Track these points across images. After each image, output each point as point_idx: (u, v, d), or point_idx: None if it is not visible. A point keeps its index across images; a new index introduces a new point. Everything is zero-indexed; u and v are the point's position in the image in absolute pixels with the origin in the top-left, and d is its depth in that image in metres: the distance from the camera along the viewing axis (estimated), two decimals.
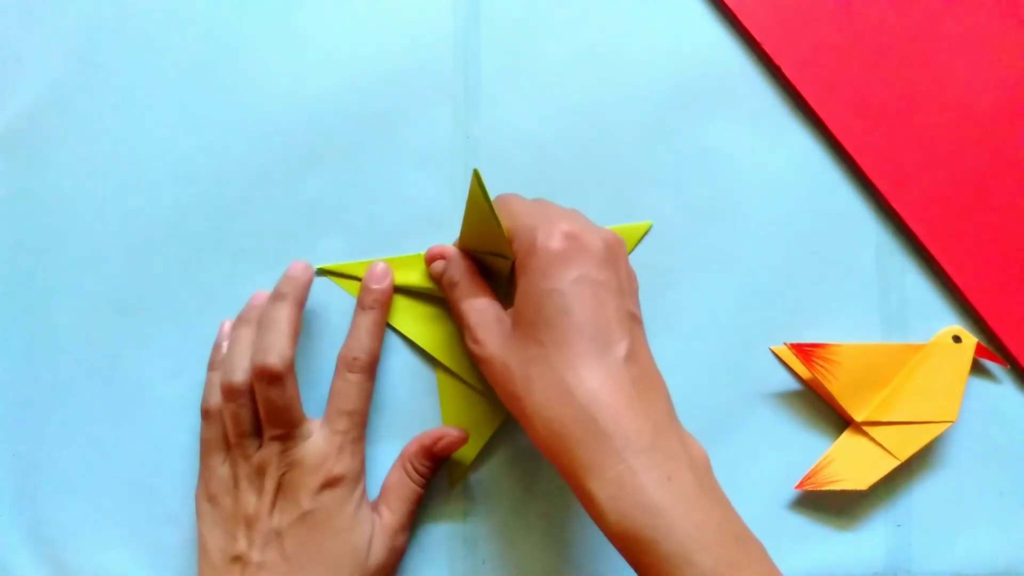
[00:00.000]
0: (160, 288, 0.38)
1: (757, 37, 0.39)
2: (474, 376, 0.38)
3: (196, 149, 0.38)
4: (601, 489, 0.27)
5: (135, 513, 0.37)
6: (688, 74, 0.39)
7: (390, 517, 0.35)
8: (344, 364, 0.35)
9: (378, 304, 0.36)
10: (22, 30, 0.39)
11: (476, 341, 0.33)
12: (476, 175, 0.31)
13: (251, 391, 0.34)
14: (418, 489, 0.36)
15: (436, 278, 0.37)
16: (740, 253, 0.39)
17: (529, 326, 0.30)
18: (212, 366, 0.36)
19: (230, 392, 0.34)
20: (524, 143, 0.39)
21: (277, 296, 0.35)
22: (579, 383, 0.29)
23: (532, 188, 0.38)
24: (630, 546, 0.27)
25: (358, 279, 0.38)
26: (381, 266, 0.37)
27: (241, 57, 0.39)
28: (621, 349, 0.30)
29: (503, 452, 0.38)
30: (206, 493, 0.34)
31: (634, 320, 0.31)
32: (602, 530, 0.28)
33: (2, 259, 0.38)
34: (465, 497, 0.38)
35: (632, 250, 0.39)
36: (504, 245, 0.33)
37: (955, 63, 0.40)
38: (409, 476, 0.36)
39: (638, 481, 0.27)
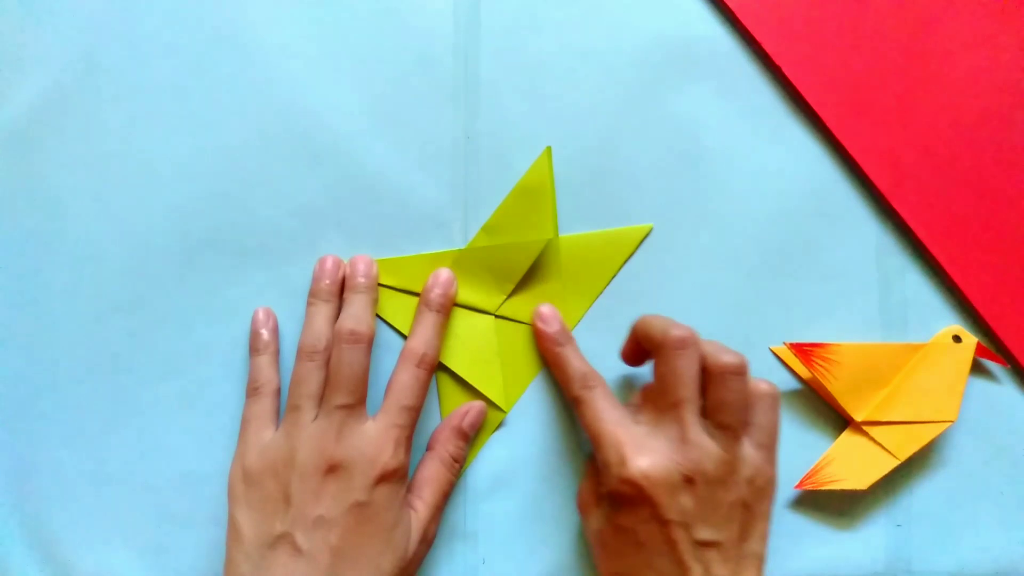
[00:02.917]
0: (160, 288, 0.38)
1: (757, 37, 0.39)
2: (473, 376, 0.38)
3: (196, 149, 0.38)
4: None
5: (135, 513, 0.37)
6: (689, 75, 0.39)
7: (425, 510, 0.35)
8: (412, 358, 0.35)
9: (444, 309, 0.37)
10: (22, 30, 0.39)
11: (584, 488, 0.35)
12: (549, 152, 0.37)
13: (327, 362, 0.34)
14: (452, 479, 0.36)
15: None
16: (740, 253, 0.39)
17: (609, 550, 0.33)
18: (256, 351, 0.37)
19: (312, 352, 0.34)
20: (524, 143, 0.39)
21: (356, 288, 0.36)
22: None
23: None
24: None
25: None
26: (448, 272, 0.37)
27: (241, 57, 0.39)
28: None
29: (502, 452, 0.38)
30: (243, 472, 0.34)
31: (703, 547, 0.31)
32: None
33: (2, 259, 0.38)
34: (465, 497, 0.38)
35: (633, 253, 0.39)
36: (548, 225, 0.37)
37: (955, 63, 0.40)
38: (445, 464, 0.36)
39: None
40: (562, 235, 0.38)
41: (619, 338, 0.38)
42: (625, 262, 0.39)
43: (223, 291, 0.38)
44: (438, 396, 0.38)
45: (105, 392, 0.37)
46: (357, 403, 0.33)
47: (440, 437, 0.37)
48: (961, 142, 0.39)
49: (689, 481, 0.31)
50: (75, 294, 0.38)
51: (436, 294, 0.37)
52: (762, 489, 0.32)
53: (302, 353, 0.35)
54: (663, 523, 0.31)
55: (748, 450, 0.32)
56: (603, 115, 0.39)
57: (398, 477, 0.33)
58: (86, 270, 0.38)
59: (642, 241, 0.39)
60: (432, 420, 0.38)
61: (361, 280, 0.36)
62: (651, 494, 0.31)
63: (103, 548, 0.37)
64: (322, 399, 0.34)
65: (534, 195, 0.38)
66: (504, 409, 0.38)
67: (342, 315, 0.35)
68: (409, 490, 0.36)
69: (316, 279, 0.37)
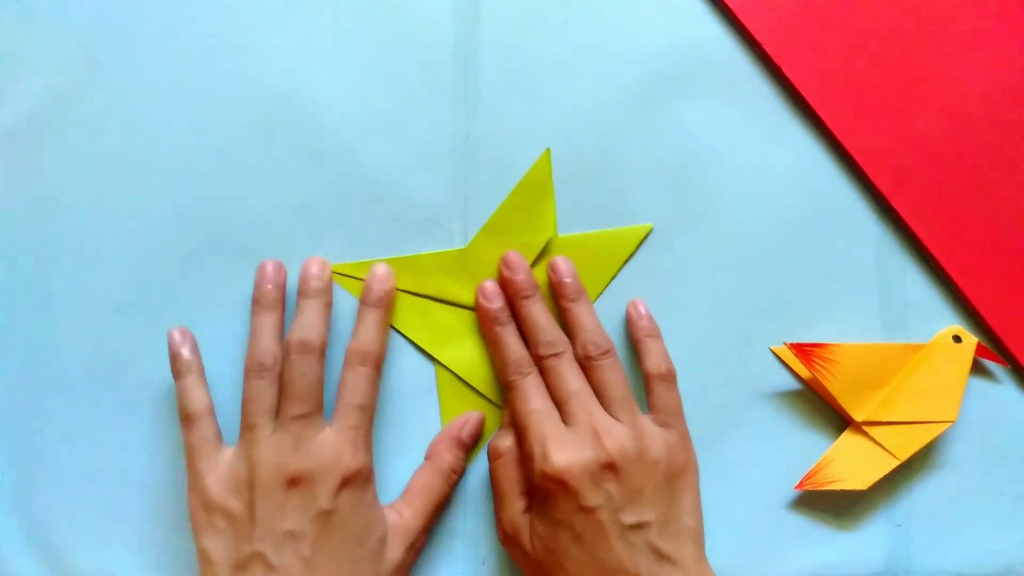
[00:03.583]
0: (160, 288, 0.38)
1: (757, 37, 0.39)
2: (474, 376, 0.38)
3: (196, 149, 0.38)
4: None
5: (135, 513, 0.37)
6: (688, 75, 0.39)
7: (413, 519, 0.35)
8: (356, 358, 0.35)
9: (382, 303, 0.36)
10: (22, 30, 0.39)
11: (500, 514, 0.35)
12: (548, 154, 0.38)
13: (279, 375, 0.34)
14: (447, 489, 0.36)
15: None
16: (740, 253, 0.39)
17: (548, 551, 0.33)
18: (179, 374, 0.35)
19: (260, 370, 0.34)
20: (524, 143, 0.39)
21: (309, 292, 0.36)
22: None
23: None
24: None
25: (360, 279, 0.38)
26: (383, 267, 0.37)
27: (241, 57, 0.39)
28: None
29: None
30: (202, 502, 0.33)
31: (634, 529, 0.32)
32: None
33: (2, 259, 0.38)
34: (465, 497, 0.38)
35: (632, 253, 0.39)
36: (548, 225, 0.38)
37: (955, 63, 0.40)
38: (442, 474, 0.36)
39: None
40: (562, 235, 0.38)
41: (618, 338, 0.38)
42: (625, 262, 0.39)
43: (223, 291, 0.38)
44: (438, 397, 0.38)
45: (105, 392, 0.37)
46: (313, 412, 0.33)
47: (439, 447, 0.37)
48: (961, 142, 0.39)
49: (610, 467, 0.32)
50: (75, 294, 0.38)
51: (374, 290, 0.36)
52: (682, 466, 0.34)
53: (249, 371, 0.34)
54: (589, 511, 0.32)
55: (651, 426, 0.34)
56: (603, 115, 0.39)
57: (361, 479, 0.33)
58: (86, 270, 0.38)
59: (642, 241, 0.39)
60: (432, 421, 0.38)
61: (314, 283, 0.36)
62: (573, 487, 0.32)
63: (103, 548, 0.37)
64: (277, 412, 0.34)
65: (534, 195, 0.38)
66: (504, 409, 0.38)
67: (294, 323, 0.35)
68: (401, 496, 0.36)
69: (258, 286, 0.36)
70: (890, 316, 0.39)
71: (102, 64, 0.38)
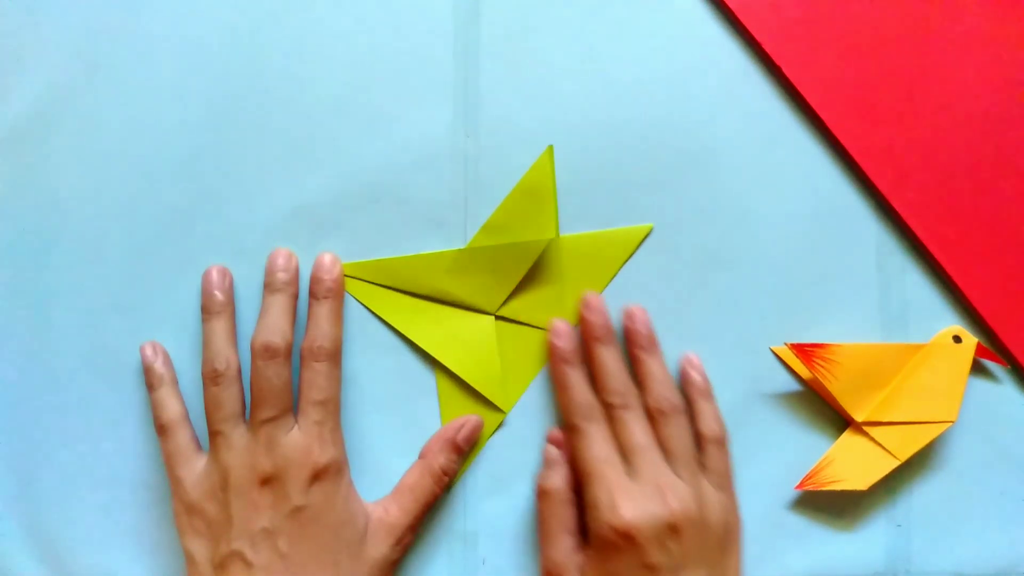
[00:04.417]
0: (160, 288, 0.38)
1: (757, 37, 0.39)
2: (473, 377, 0.38)
3: (196, 149, 0.38)
4: None
5: (135, 513, 0.37)
6: (688, 74, 0.39)
7: (401, 517, 0.35)
8: (310, 355, 0.35)
9: (332, 293, 0.36)
10: (23, 30, 0.38)
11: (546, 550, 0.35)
12: (550, 151, 0.37)
13: (236, 376, 0.34)
14: (437, 491, 0.36)
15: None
16: (740, 253, 0.39)
17: None
18: (152, 387, 0.36)
19: (215, 377, 0.34)
20: (524, 143, 0.39)
21: (274, 286, 0.36)
22: None
23: None
24: None
25: (360, 279, 0.38)
26: (329, 256, 0.37)
27: (241, 57, 0.39)
28: None
29: (503, 452, 0.38)
30: (183, 505, 0.34)
31: None
32: None
33: (2, 259, 0.38)
34: (465, 497, 0.38)
35: (633, 253, 0.39)
36: (549, 225, 0.37)
37: (955, 63, 0.40)
38: (433, 476, 0.36)
39: None
40: (563, 235, 0.38)
41: (618, 338, 0.38)
42: (625, 262, 0.39)
43: None
44: (438, 397, 0.38)
45: (105, 392, 0.37)
46: (281, 414, 0.33)
47: (433, 447, 0.37)
48: (961, 142, 0.39)
49: (673, 526, 0.33)
50: (75, 294, 0.38)
51: (324, 281, 0.36)
52: (733, 530, 0.35)
53: (206, 379, 0.34)
54: (651, 568, 0.32)
55: (710, 489, 0.35)
56: (603, 115, 0.39)
57: (332, 472, 0.33)
58: (86, 270, 0.38)
59: (642, 241, 0.39)
60: (432, 421, 0.38)
61: (280, 276, 0.36)
62: (640, 543, 0.32)
63: (103, 548, 0.37)
64: (248, 415, 0.34)
65: (535, 194, 0.38)
66: (504, 410, 0.38)
67: (258, 324, 0.35)
68: (390, 493, 0.36)
69: (205, 293, 0.36)
70: (890, 316, 0.39)
71: (102, 64, 0.38)
